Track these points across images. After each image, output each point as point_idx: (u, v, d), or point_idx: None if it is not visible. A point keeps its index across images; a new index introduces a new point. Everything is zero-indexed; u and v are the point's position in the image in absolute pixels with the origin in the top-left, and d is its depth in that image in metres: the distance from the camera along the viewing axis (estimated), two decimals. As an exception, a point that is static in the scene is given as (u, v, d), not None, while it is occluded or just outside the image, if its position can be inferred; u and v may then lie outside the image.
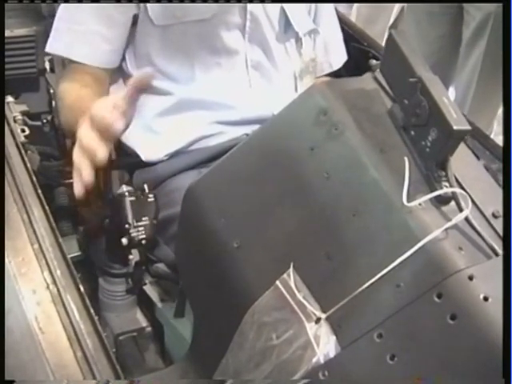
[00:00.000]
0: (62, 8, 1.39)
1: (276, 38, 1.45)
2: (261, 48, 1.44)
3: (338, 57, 1.63)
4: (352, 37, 1.66)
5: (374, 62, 1.65)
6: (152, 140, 1.40)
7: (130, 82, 1.08)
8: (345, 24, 1.73)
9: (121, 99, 1.07)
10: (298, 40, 1.49)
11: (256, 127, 1.21)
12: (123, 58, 1.43)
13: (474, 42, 2.40)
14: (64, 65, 1.81)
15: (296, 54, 1.50)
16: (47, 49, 1.42)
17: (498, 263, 0.83)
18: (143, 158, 1.40)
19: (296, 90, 1.51)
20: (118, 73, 1.45)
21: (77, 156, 1.06)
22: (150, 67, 1.40)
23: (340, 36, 1.63)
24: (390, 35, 0.97)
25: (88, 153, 1.04)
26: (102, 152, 1.04)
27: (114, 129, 1.04)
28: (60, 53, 1.42)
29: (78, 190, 1.05)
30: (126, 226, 1.21)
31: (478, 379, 0.78)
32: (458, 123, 0.83)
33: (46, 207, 1.08)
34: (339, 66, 1.61)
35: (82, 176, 1.04)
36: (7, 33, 1.79)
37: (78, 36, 1.37)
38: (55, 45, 1.41)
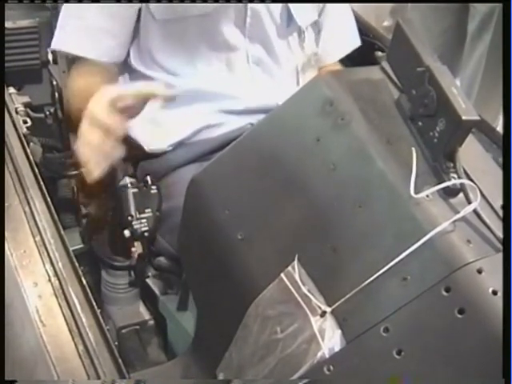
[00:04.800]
0: (66, 5, 1.39)
1: (277, 32, 1.43)
2: (261, 45, 1.42)
3: (346, 44, 1.60)
4: (358, 29, 1.64)
5: (379, 53, 1.65)
6: (155, 131, 1.39)
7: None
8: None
9: (118, 95, 1.09)
10: (301, 33, 1.48)
11: (260, 116, 1.20)
12: (128, 53, 1.42)
13: (480, 34, 2.38)
14: (69, 60, 1.81)
15: (298, 48, 1.48)
16: (53, 46, 1.42)
17: (507, 256, 0.82)
18: (147, 148, 1.39)
19: (298, 84, 1.50)
20: (124, 67, 1.45)
21: (84, 153, 1.09)
22: (152, 62, 1.40)
23: (350, 21, 1.60)
24: (397, 25, 0.95)
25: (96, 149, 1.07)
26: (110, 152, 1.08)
27: (115, 131, 1.07)
28: (65, 49, 1.42)
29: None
30: (129, 217, 1.21)
31: (486, 374, 0.77)
32: (467, 113, 0.82)
33: (48, 199, 1.08)
34: (349, 52, 1.59)
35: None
36: (10, 24, 1.79)
37: (82, 31, 1.37)
38: (60, 41, 1.41)
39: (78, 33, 1.38)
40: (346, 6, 1.60)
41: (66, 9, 1.39)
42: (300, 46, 1.48)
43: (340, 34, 1.57)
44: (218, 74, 1.40)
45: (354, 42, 1.60)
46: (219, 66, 1.41)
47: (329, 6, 1.51)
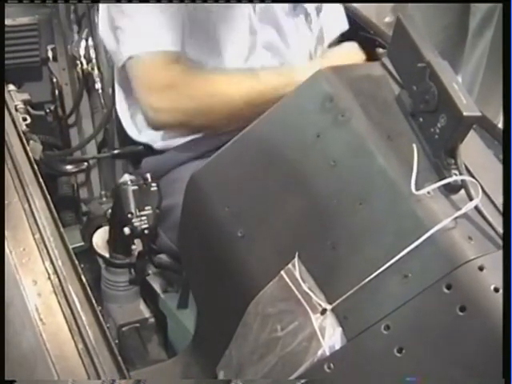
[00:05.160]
0: (113, 10, 1.33)
1: (286, 15, 1.43)
2: (273, 28, 1.42)
3: (336, 27, 1.60)
4: (358, 25, 1.64)
5: (380, 50, 1.64)
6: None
7: None
8: (351, 13, 1.71)
9: None
10: (308, 16, 1.47)
11: None
12: None
13: (481, 31, 2.38)
14: (69, 57, 1.80)
15: (306, 30, 1.48)
16: (128, 53, 1.31)
17: (508, 253, 0.81)
18: (155, 146, 1.39)
19: None
20: None
21: None
22: None
23: (339, 6, 1.61)
24: (398, 20, 0.95)
25: None
26: None
27: None
28: (147, 49, 1.30)
29: None
30: (129, 215, 1.21)
31: (487, 372, 0.77)
32: (468, 109, 0.82)
33: (48, 197, 1.07)
34: (337, 35, 1.59)
35: None
36: (9, 21, 1.78)
37: (153, 26, 1.30)
38: (138, 45, 1.31)
39: (153, 28, 1.30)
40: None
41: (118, 13, 1.32)
42: (308, 28, 1.48)
43: (331, 18, 1.57)
44: (239, 60, 1.39)
45: (342, 25, 1.60)
46: (242, 51, 1.39)
47: None
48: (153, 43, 1.30)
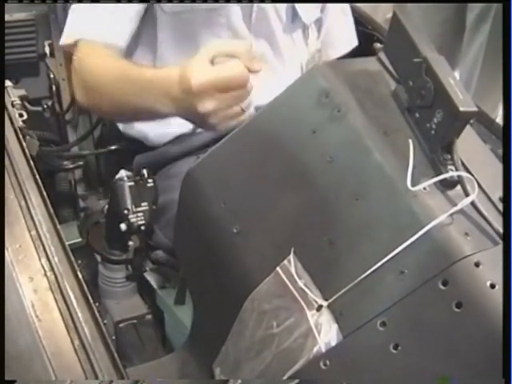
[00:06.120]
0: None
1: (283, 29, 1.42)
2: (266, 40, 1.41)
3: (345, 43, 1.59)
4: (356, 20, 1.64)
5: (378, 45, 1.64)
6: (156, 124, 1.38)
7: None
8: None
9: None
10: (305, 30, 1.46)
11: None
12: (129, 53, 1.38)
13: (478, 26, 2.38)
14: (66, 53, 1.80)
15: (303, 45, 1.47)
16: (68, 38, 1.33)
17: (505, 249, 0.81)
18: (146, 142, 1.38)
19: None
20: None
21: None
22: (154, 57, 1.37)
23: (349, 21, 1.59)
24: (394, 15, 0.94)
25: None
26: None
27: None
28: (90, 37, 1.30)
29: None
30: (125, 211, 1.20)
31: (483, 369, 0.76)
32: (465, 104, 0.81)
33: (44, 193, 1.07)
34: (345, 52, 1.58)
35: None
36: (7, 17, 1.77)
37: (95, 18, 1.31)
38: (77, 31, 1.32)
39: (92, 19, 1.31)
40: (346, 5, 1.58)
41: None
42: (304, 42, 1.47)
43: (338, 34, 1.56)
44: None
45: (351, 41, 1.59)
46: None
47: (330, 4, 1.50)
48: (97, 33, 1.29)
